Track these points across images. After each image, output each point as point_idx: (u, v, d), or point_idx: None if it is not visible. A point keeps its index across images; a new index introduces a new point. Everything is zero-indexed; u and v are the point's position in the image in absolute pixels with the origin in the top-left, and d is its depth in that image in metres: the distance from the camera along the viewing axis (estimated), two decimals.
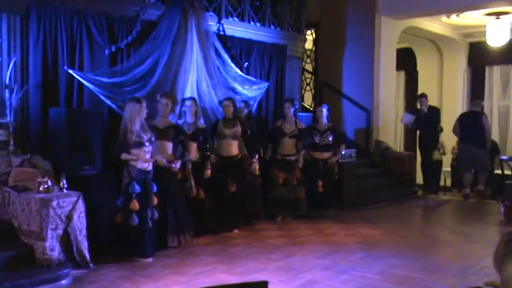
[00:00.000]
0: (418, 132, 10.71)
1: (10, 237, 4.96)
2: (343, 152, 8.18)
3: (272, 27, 8.77)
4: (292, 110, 7.75)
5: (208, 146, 6.84)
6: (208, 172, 6.71)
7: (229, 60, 7.64)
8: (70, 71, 5.99)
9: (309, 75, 11.35)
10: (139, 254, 5.50)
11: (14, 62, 5.68)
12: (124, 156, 5.50)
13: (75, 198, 5.03)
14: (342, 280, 4.98)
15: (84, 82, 6.05)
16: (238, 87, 7.77)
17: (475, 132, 9.70)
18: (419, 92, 11.91)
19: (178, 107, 6.64)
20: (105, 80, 6.20)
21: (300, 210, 7.80)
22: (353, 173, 8.92)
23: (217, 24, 7.77)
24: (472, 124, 9.77)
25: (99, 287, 4.72)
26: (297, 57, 9.50)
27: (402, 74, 13.35)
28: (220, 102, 7.14)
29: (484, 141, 9.73)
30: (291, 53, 9.17)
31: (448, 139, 10.75)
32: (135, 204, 5.44)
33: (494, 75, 12.72)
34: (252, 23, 8.43)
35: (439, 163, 10.73)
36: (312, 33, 11.21)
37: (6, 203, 5.13)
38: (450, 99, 12.76)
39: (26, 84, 5.75)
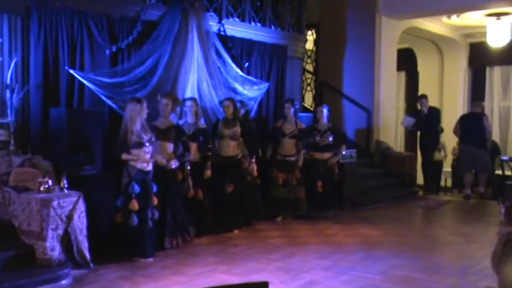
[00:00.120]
0: (418, 132, 10.71)
1: (10, 237, 4.96)
2: (343, 153, 8.18)
3: (273, 27, 8.78)
4: (292, 110, 7.75)
5: (210, 146, 6.85)
6: (209, 172, 6.72)
7: (229, 61, 7.65)
8: (71, 71, 6.00)
9: (310, 76, 11.35)
10: (139, 254, 5.51)
11: (15, 62, 5.68)
12: (124, 156, 5.51)
13: (75, 198, 5.03)
14: (342, 280, 4.98)
15: (85, 82, 6.06)
16: (239, 88, 7.77)
17: (476, 133, 9.70)
18: (420, 92, 11.92)
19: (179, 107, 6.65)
20: (106, 80, 6.21)
21: (300, 210, 7.81)
22: (353, 173, 8.93)
23: (218, 25, 7.78)
24: (472, 125, 9.77)
25: (99, 287, 4.73)
26: (297, 58, 9.51)
27: (403, 74, 13.35)
28: (220, 103, 7.15)
29: (485, 142, 9.73)
30: (292, 53, 9.17)
31: (449, 140, 10.75)
32: (135, 205, 5.45)
33: (494, 75, 12.72)
34: (253, 24, 8.44)
35: (440, 163, 10.73)
36: (312, 34, 11.20)
37: (6, 203, 5.14)
38: (451, 100, 12.76)
39: (26, 84, 5.76)
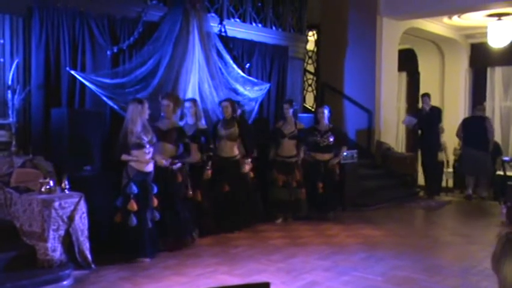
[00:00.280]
0: (419, 131, 10.70)
1: (12, 238, 4.97)
2: (344, 153, 8.16)
3: (274, 28, 8.78)
4: (291, 110, 7.74)
5: (211, 146, 6.85)
6: (209, 173, 6.72)
7: (231, 61, 7.66)
8: (72, 72, 6.01)
9: (311, 76, 11.35)
10: (139, 255, 5.50)
11: (17, 63, 5.70)
12: (124, 157, 5.51)
13: (77, 199, 5.04)
14: (343, 281, 4.98)
15: (86, 83, 6.07)
16: (240, 88, 7.77)
17: (478, 136, 9.70)
18: (421, 93, 11.89)
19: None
20: (107, 80, 6.21)
21: (301, 211, 7.80)
22: (354, 173, 8.92)
23: (219, 26, 7.78)
24: (475, 128, 9.77)
25: None
26: (298, 58, 9.51)
27: (404, 75, 13.32)
28: (219, 103, 7.15)
29: (487, 145, 9.74)
30: (293, 54, 9.18)
31: (450, 140, 10.74)
32: (133, 205, 5.44)
33: (496, 76, 12.69)
34: (254, 24, 8.44)
35: (441, 164, 10.72)
36: (313, 34, 11.21)
37: (8, 203, 5.14)
38: (452, 101, 12.74)
39: (28, 85, 5.77)
